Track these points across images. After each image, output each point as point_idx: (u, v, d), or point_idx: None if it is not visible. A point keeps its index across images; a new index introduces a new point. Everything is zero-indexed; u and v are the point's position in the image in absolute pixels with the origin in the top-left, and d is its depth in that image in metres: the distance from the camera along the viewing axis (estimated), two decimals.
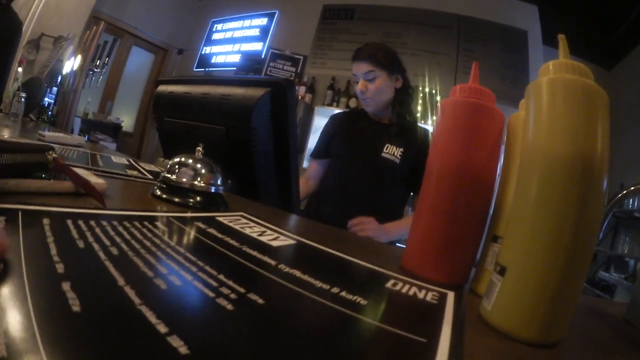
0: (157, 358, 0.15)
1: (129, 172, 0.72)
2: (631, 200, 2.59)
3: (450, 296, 0.33)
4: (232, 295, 0.22)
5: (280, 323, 0.21)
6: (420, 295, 0.32)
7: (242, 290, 0.24)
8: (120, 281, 0.21)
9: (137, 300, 0.19)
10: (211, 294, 0.22)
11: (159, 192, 0.51)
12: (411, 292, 0.33)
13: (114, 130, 3.97)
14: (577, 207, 0.26)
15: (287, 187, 0.77)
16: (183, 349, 0.15)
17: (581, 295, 0.28)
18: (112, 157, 0.94)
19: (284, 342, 0.19)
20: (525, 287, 0.28)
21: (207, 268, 0.26)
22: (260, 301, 0.23)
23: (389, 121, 1.32)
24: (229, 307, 0.21)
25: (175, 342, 0.16)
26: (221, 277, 0.25)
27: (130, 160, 0.96)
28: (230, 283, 0.24)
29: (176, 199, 0.50)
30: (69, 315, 0.16)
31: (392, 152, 1.24)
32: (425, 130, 1.33)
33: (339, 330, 0.22)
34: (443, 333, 0.24)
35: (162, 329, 0.17)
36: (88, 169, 0.58)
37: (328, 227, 0.64)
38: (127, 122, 4.23)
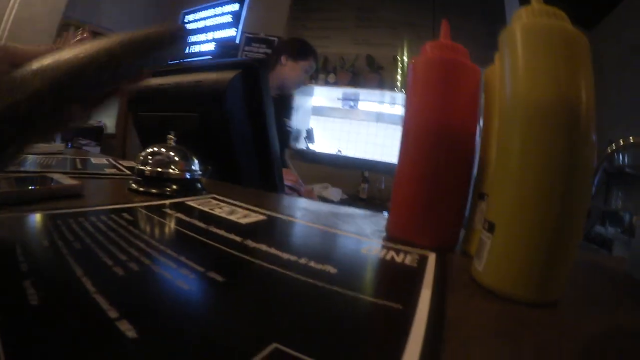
0: (105, 342, 0.15)
1: (108, 170, 0.71)
2: (621, 155, 2.56)
3: (432, 258, 0.32)
4: (191, 276, 0.23)
5: (238, 298, 0.21)
6: (399, 259, 0.31)
7: (201, 269, 0.24)
8: (78, 272, 0.21)
9: (92, 289, 0.19)
10: (169, 276, 0.22)
11: (134, 186, 0.51)
12: (388, 257, 0.31)
13: (97, 133, 3.89)
14: (565, 154, 0.24)
15: (269, 168, 0.76)
16: (131, 333, 0.15)
17: (580, 251, 0.26)
18: (92, 159, 0.93)
19: (237, 317, 0.18)
20: (516, 243, 0.26)
21: (169, 251, 0.26)
22: (219, 278, 0.23)
23: None
24: (185, 287, 0.21)
25: (124, 326, 0.16)
26: (182, 258, 0.25)
27: (110, 159, 0.96)
28: (191, 264, 0.24)
29: (153, 190, 0.49)
30: (27, 308, 0.16)
31: None
32: None
33: (300, 302, 0.21)
34: (422, 298, 0.23)
35: (113, 314, 0.17)
36: (65, 173, 0.57)
37: (309, 202, 0.61)
38: (109, 123, 4.15)
